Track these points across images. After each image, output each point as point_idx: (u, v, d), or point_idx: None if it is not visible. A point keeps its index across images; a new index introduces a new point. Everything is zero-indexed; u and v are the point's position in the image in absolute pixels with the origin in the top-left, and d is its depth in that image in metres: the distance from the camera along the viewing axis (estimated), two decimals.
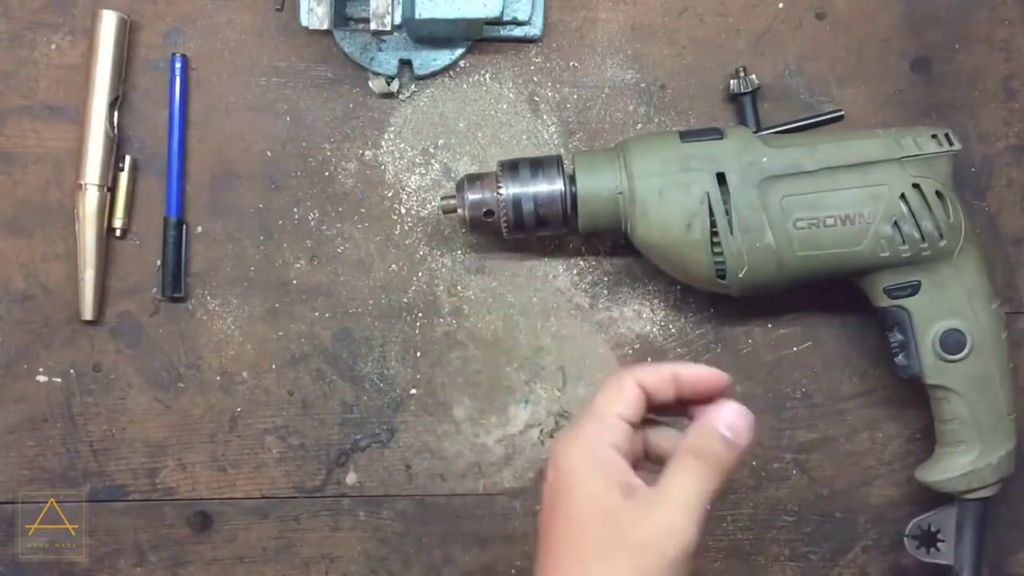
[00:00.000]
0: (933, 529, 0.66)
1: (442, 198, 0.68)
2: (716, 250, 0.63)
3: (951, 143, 0.64)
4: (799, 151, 0.64)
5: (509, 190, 0.65)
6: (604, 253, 0.72)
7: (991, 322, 0.65)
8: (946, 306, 0.64)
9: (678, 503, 0.50)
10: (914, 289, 0.64)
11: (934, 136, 0.64)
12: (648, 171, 0.64)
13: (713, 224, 0.63)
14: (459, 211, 0.66)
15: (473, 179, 0.67)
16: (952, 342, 0.64)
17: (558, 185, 0.65)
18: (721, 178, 0.63)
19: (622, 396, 0.53)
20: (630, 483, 0.51)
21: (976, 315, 0.64)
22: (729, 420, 0.52)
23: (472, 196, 0.66)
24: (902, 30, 0.73)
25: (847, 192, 0.63)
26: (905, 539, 0.67)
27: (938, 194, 0.63)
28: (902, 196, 0.63)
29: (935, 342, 0.64)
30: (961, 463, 0.65)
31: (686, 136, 0.65)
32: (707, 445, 0.51)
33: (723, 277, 0.64)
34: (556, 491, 0.52)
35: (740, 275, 0.63)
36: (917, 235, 0.63)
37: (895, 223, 0.63)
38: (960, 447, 0.65)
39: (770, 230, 0.63)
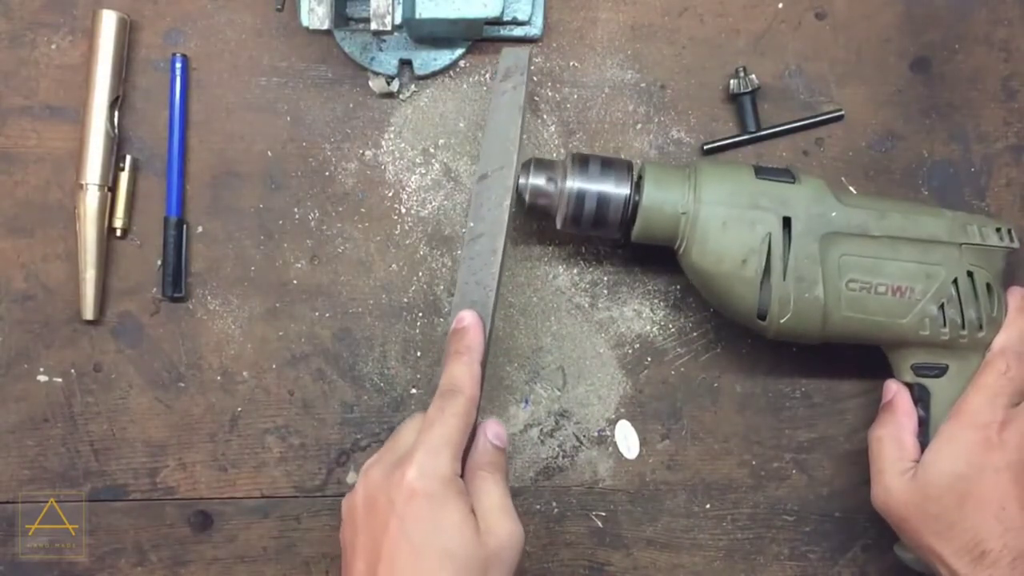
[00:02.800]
0: None
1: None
2: (763, 291, 0.63)
3: (1012, 239, 0.64)
4: (868, 214, 0.63)
5: (575, 183, 0.64)
6: (604, 253, 0.72)
7: None
8: None
9: (500, 510, 0.57)
10: (940, 372, 0.64)
11: (998, 229, 0.64)
12: (717, 199, 0.63)
13: (767, 265, 0.62)
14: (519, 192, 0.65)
15: (541, 164, 0.65)
16: None
17: (624, 189, 0.64)
18: (787, 222, 0.62)
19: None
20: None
21: None
22: (495, 431, 0.60)
23: (535, 182, 0.65)
24: (902, 30, 0.73)
25: (904, 264, 0.63)
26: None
27: (988, 286, 0.64)
28: (955, 281, 0.63)
29: None
30: None
31: (760, 172, 0.64)
32: (487, 457, 0.59)
33: (763, 318, 0.64)
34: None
35: (781, 320, 0.63)
36: (959, 321, 0.63)
37: (942, 305, 0.63)
38: None
39: (822, 284, 0.62)
